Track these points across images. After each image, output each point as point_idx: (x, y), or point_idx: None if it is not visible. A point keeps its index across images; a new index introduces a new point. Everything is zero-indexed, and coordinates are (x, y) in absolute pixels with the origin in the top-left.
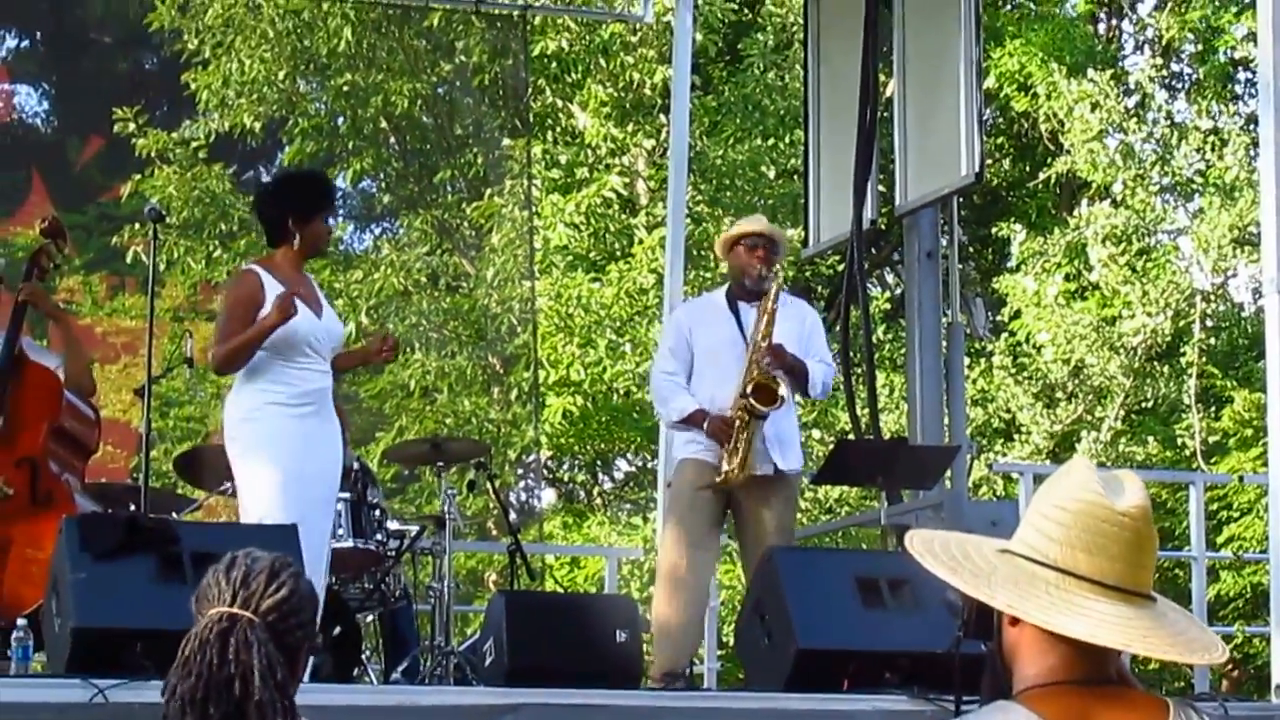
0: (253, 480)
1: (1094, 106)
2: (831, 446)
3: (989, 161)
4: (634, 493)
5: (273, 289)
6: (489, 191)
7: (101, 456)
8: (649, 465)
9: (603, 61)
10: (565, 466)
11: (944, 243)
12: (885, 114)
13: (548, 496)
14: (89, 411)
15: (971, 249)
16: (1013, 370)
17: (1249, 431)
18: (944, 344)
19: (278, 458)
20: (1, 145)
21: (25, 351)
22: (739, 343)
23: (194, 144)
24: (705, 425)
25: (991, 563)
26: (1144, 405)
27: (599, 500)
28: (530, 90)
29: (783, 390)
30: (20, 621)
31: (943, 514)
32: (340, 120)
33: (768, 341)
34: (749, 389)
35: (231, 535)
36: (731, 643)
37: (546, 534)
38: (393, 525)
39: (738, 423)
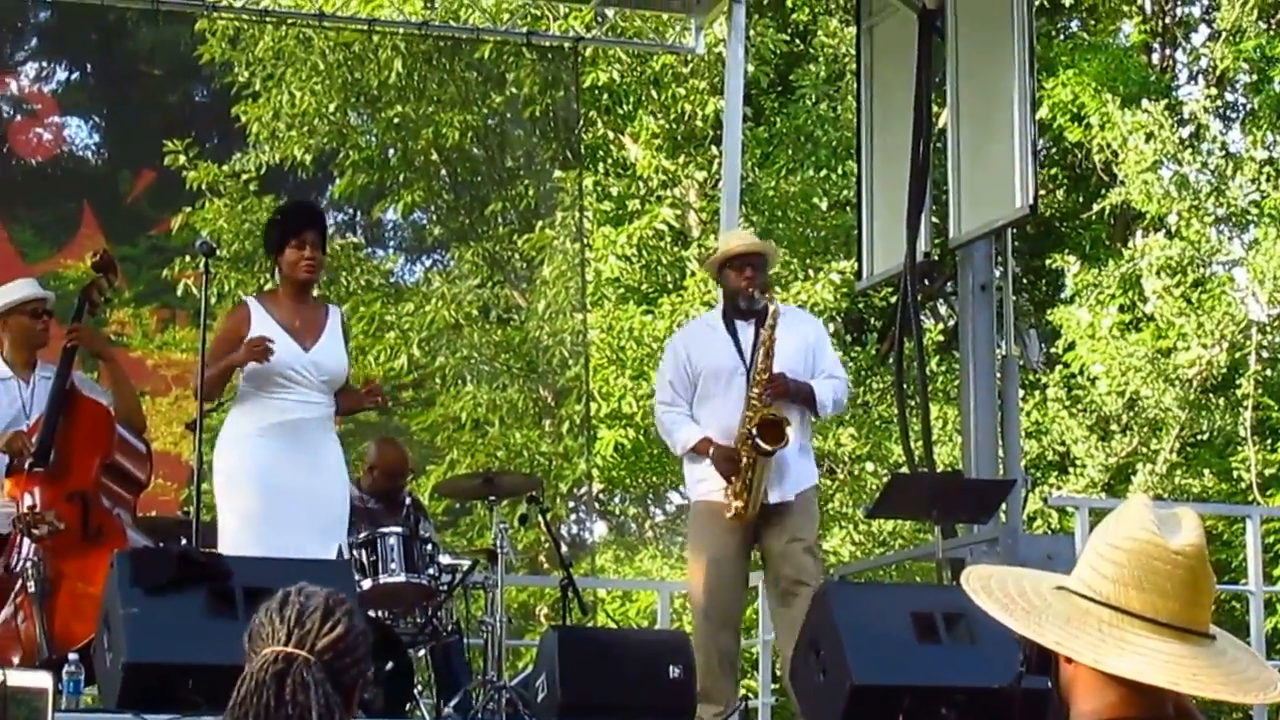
0: (223, 511)
1: (1148, 137)
2: (886, 480)
3: (1042, 193)
4: (685, 525)
5: (260, 320)
6: (540, 223)
7: (152, 489)
8: None
9: (654, 93)
10: (616, 499)
11: (997, 274)
12: (938, 145)
13: (599, 529)
14: (141, 446)
15: (1025, 280)
16: (1067, 403)
17: None
18: (998, 376)
19: (243, 491)
20: (52, 177)
21: (77, 386)
22: (739, 364)
23: (244, 176)
24: (711, 454)
25: (1046, 600)
26: (1199, 438)
27: (650, 533)
28: (581, 122)
29: (790, 431)
30: (72, 656)
31: (998, 548)
32: (391, 152)
33: (767, 374)
34: (754, 430)
35: (283, 569)
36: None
37: (598, 567)
38: (445, 559)
39: (744, 460)
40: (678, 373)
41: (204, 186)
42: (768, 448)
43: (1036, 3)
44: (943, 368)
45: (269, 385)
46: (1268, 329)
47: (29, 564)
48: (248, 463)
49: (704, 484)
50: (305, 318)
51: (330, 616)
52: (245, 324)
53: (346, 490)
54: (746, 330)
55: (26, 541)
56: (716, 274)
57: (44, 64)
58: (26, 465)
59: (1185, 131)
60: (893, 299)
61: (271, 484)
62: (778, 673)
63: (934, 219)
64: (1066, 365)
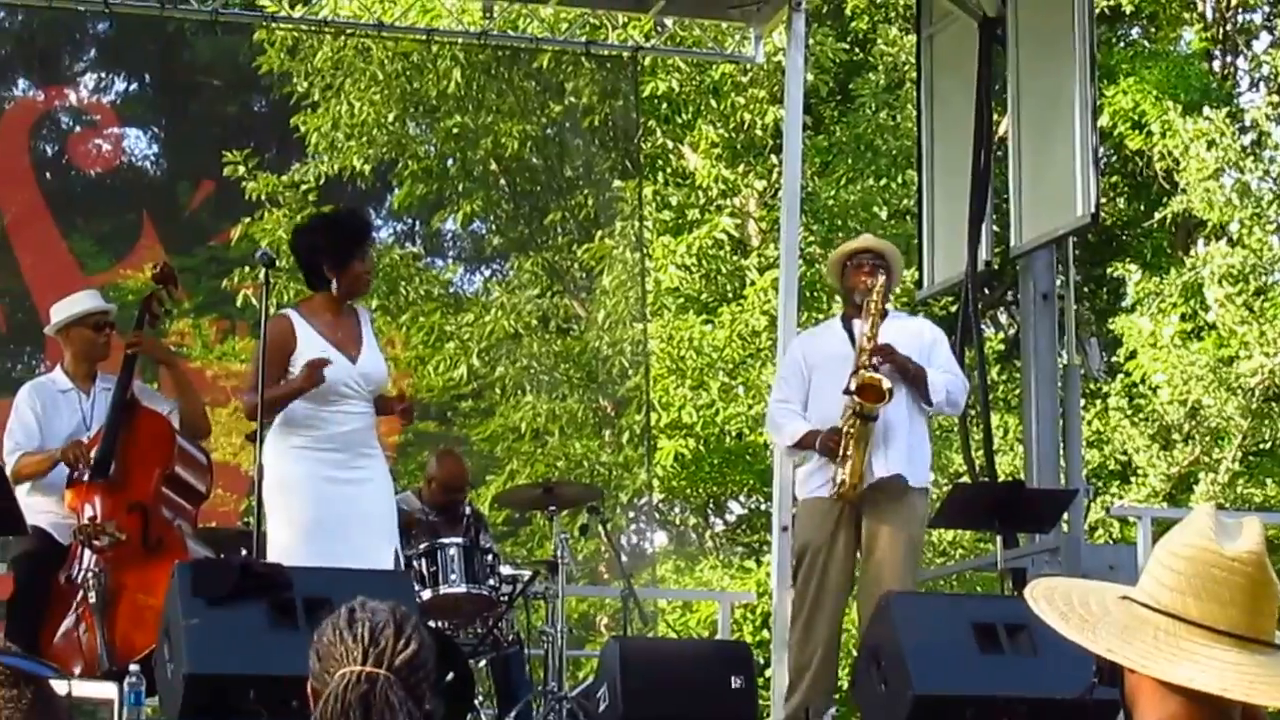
0: (275, 523)
1: (1210, 144)
2: (947, 490)
3: (1103, 201)
4: (746, 536)
5: (305, 334)
6: (600, 233)
7: (211, 500)
8: (762, 508)
9: (713, 102)
10: (677, 509)
11: (1059, 283)
12: (998, 154)
13: (659, 539)
14: (201, 457)
15: (1086, 289)
16: (1128, 412)
17: None
18: (1060, 386)
19: (297, 503)
20: (111, 188)
21: (137, 397)
22: (850, 356)
23: (304, 187)
24: (817, 444)
25: (1106, 609)
26: (1262, 447)
27: (711, 543)
28: (641, 131)
29: (888, 384)
30: (133, 667)
31: (1060, 558)
32: (450, 162)
33: (873, 342)
34: (853, 387)
35: (344, 580)
36: (847, 687)
37: (658, 578)
38: (505, 570)
39: (846, 428)
40: (792, 370)
41: (263, 197)
42: (867, 406)
43: (1097, 10)
44: (1003, 377)
45: (320, 400)
46: None
47: (90, 575)
48: (300, 473)
49: (810, 482)
50: (345, 328)
51: (403, 633)
52: (291, 337)
53: (393, 497)
54: (863, 328)
55: (87, 553)
56: (838, 274)
57: (102, 75)
58: (86, 476)
59: (1247, 139)
60: (952, 308)
61: (325, 494)
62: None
63: (994, 227)
64: (1128, 374)
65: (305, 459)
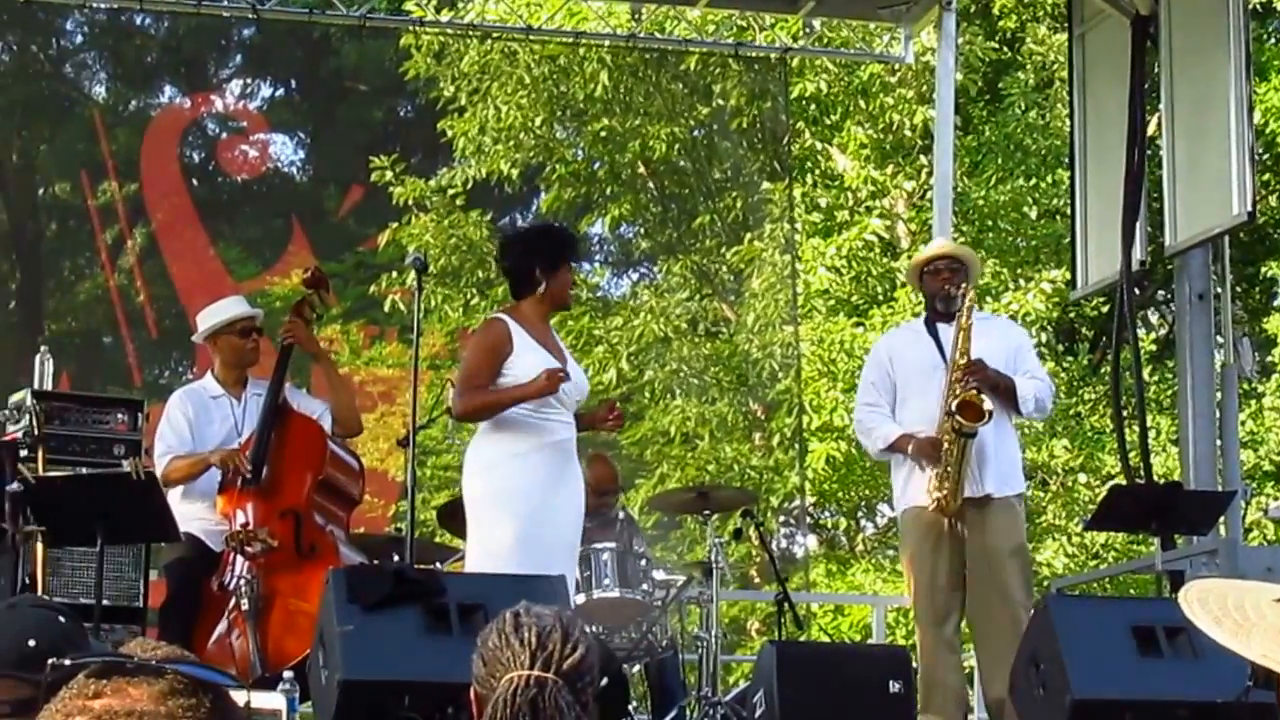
0: (488, 530)
1: None
2: (1103, 492)
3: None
4: (896, 539)
5: (521, 340)
6: (748, 236)
7: (361, 506)
8: None
9: (862, 103)
10: (827, 513)
11: (1214, 283)
12: (1151, 152)
13: (809, 543)
14: (353, 462)
15: (1238, 288)
16: None
17: None
18: (1217, 386)
19: (517, 512)
20: (258, 194)
21: (289, 401)
22: (939, 364)
23: (451, 191)
24: (910, 448)
25: (1261, 613)
26: None
27: (861, 546)
28: (790, 133)
29: (988, 404)
30: (286, 674)
31: (1217, 560)
32: (597, 166)
33: (966, 358)
34: (954, 407)
35: (497, 586)
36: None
37: (810, 581)
38: (659, 574)
39: (946, 444)
40: (879, 374)
41: (410, 202)
42: (968, 425)
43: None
44: (1154, 377)
45: (542, 408)
46: None
47: (242, 581)
48: (518, 484)
49: (909, 492)
50: (553, 339)
51: (570, 637)
52: (508, 342)
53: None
54: (948, 332)
55: (240, 559)
56: (917, 281)
57: (248, 81)
58: (239, 482)
59: None
60: (1104, 308)
61: (544, 504)
62: None
63: (1147, 226)
64: None
65: (527, 467)
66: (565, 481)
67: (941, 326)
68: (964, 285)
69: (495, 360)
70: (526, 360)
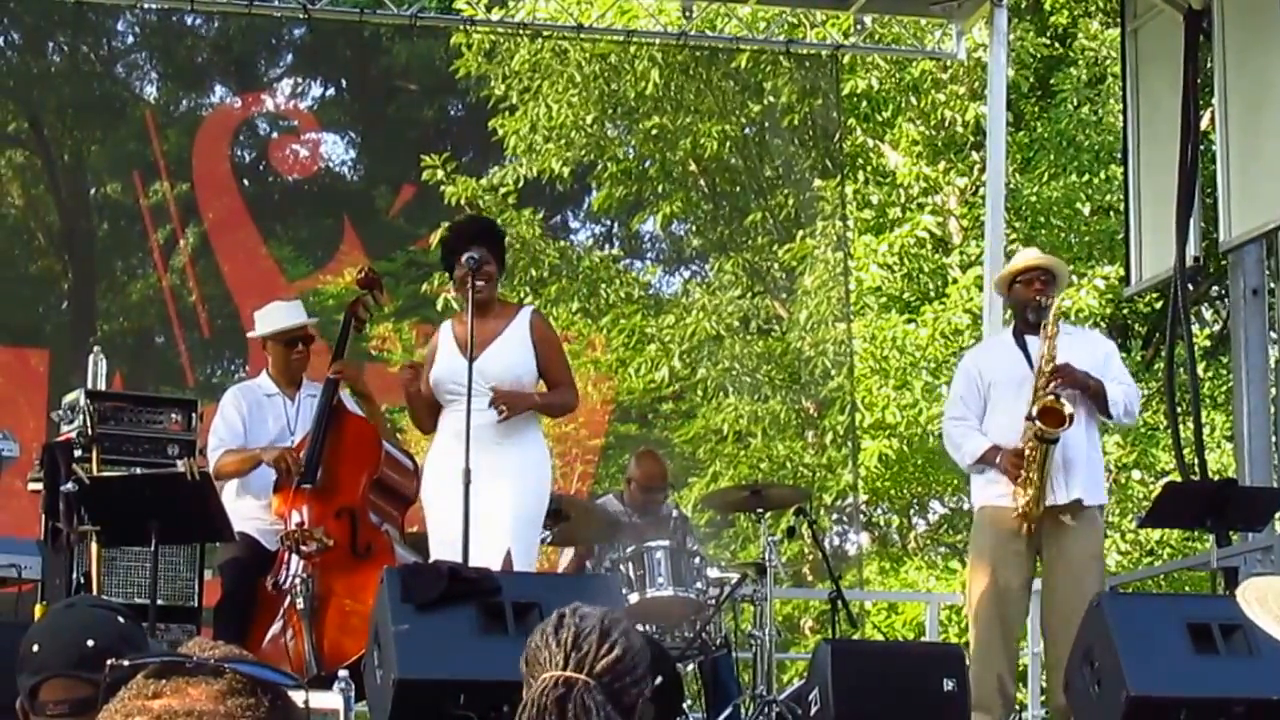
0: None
1: None
2: (1156, 489)
3: None
4: (949, 536)
5: (443, 343)
6: (800, 233)
7: (415, 504)
8: (965, 507)
9: (913, 99)
10: (880, 511)
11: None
12: (1204, 147)
13: (862, 540)
14: (408, 461)
15: None
16: None
17: None
18: (1271, 382)
19: (431, 497)
20: (310, 194)
21: (344, 402)
22: (1028, 375)
23: (502, 190)
24: (998, 461)
25: None
26: None
27: (914, 544)
28: (842, 130)
29: (1069, 409)
30: (341, 673)
31: (1272, 556)
32: (649, 163)
33: (1052, 365)
34: (1035, 413)
35: (552, 585)
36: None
37: (863, 579)
38: (712, 573)
39: (1028, 451)
40: (968, 387)
41: (461, 201)
42: (1050, 431)
43: None
44: (1209, 373)
45: (443, 399)
46: None
47: (297, 581)
48: (440, 467)
49: (989, 489)
50: (485, 325)
51: (607, 638)
52: (435, 350)
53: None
54: (1036, 344)
55: (295, 558)
56: (1006, 291)
57: (299, 80)
58: (295, 482)
59: None
60: (1157, 305)
61: (453, 491)
62: (1042, 684)
63: (1200, 222)
64: None
65: (437, 457)
66: (478, 467)
67: (1030, 338)
68: (1052, 297)
69: (425, 367)
70: (435, 369)
